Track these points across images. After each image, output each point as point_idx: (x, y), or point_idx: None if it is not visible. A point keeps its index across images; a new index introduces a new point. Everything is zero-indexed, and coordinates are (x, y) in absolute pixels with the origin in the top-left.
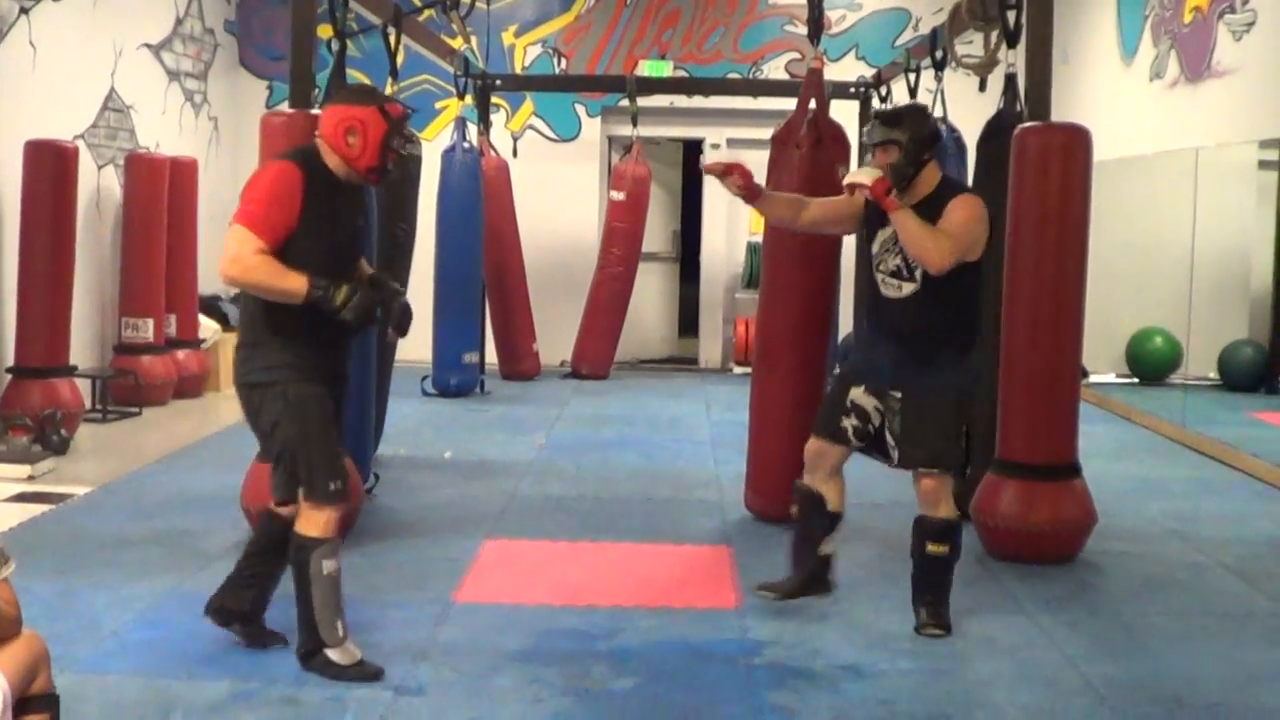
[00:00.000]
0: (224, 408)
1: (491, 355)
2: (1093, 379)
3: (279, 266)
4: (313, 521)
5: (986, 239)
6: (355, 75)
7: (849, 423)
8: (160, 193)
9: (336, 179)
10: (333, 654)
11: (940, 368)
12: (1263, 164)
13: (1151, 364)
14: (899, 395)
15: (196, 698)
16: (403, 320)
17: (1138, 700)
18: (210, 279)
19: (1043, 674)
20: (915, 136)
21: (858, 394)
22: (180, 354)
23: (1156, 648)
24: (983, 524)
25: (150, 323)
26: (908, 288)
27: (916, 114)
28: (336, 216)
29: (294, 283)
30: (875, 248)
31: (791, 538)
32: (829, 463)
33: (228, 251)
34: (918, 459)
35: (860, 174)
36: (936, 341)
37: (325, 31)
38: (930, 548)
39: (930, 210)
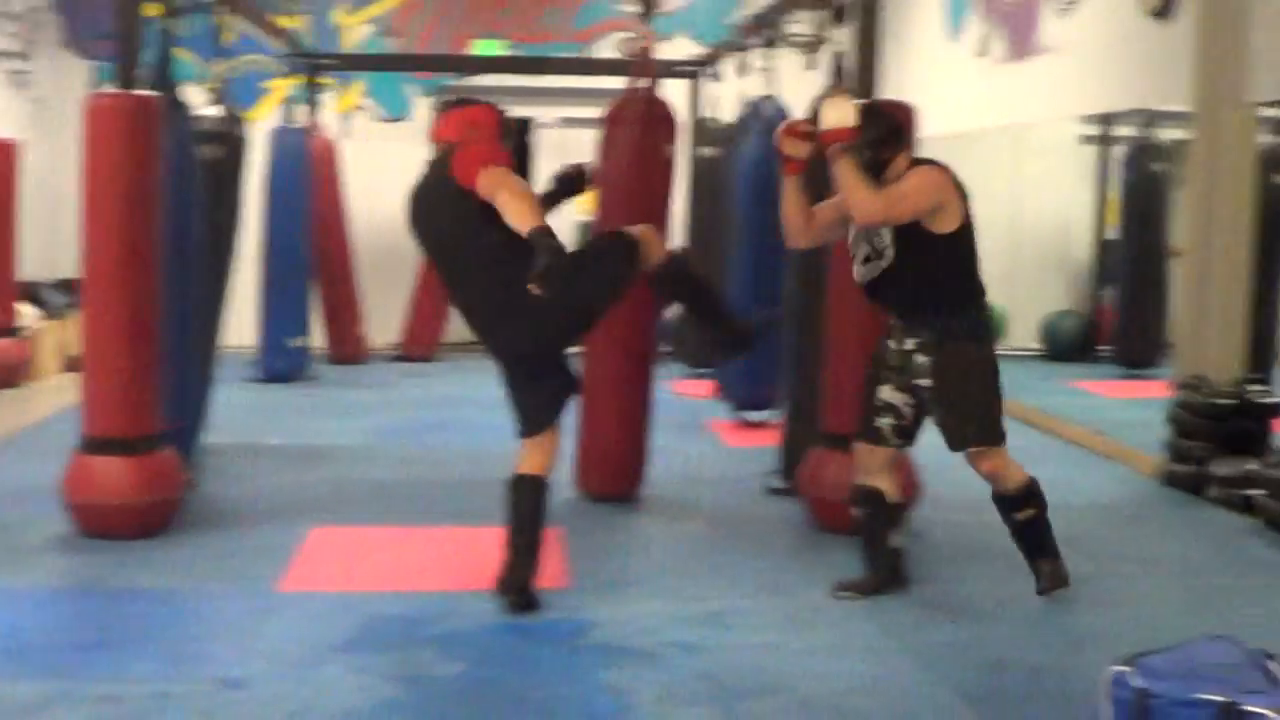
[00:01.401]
0: (44, 397)
1: (319, 339)
2: None
3: None
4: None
5: (957, 210)
6: (182, 55)
7: (884, 422)
8: None
9: None
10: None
11: (947, 348)
12: (1084, 139)
13: None
14: (926, 384)
15: (14, 697)
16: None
17: (961, 666)
18: (31, 265)
19: (868, 643)
20: (870, 139)
21: (886, 392)
22: None
23: (979, 614)
24: (808, 496)
25: None
26: (879, 265)
27: (868, 116)
28: None
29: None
30: (850, 244)
31: (861, 539)
32: (878, 461)
33: None
34: (960, 443)
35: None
36: (937, 308)
37: (152, 10)
38: (1018, 517)
39: None
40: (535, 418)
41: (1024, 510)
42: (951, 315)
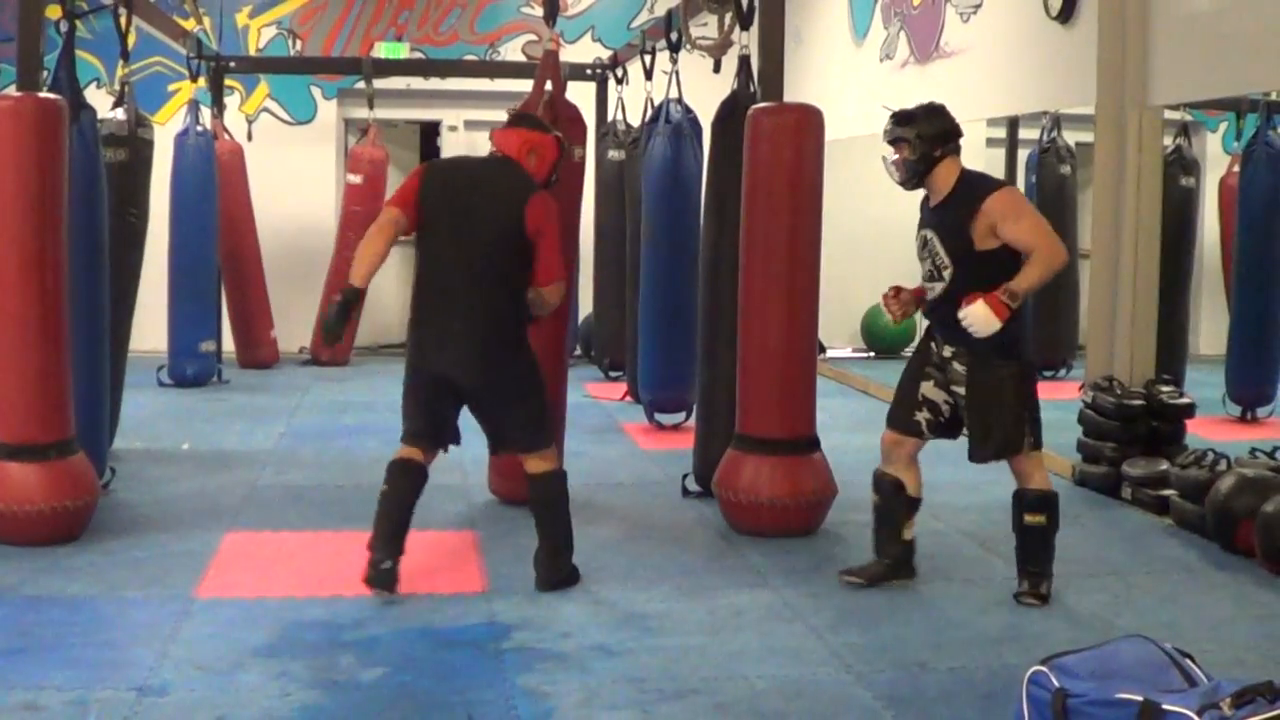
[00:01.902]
0: None
1: (229, 343)
2: (830, 354)
3: None
4: (547, 458)
5: None
6: (85, 57)
7: (922, 416)
8: None
9: None
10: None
11: (989, 358)
12: (990, 141)
13: (886, 338)
14: (962, 392)
15: None
16: None
17: (882, 666)
18: None
19: (789, 645)
20: (925, 134)
21: (928, 388)
22: None
23: (899, 615)
24: (725, 499)
25: None
26: (939, 287)
27: (928, 112)
28: None
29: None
30: (918, 254)
31: (874, 525)
32: (905, 452)
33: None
34: (986, 454)
35: (983, 324)
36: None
37: (54, 11)
38: (1028, 519)
39: (956, 207)
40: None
41: (1036, 515)
42: (1013, 324)
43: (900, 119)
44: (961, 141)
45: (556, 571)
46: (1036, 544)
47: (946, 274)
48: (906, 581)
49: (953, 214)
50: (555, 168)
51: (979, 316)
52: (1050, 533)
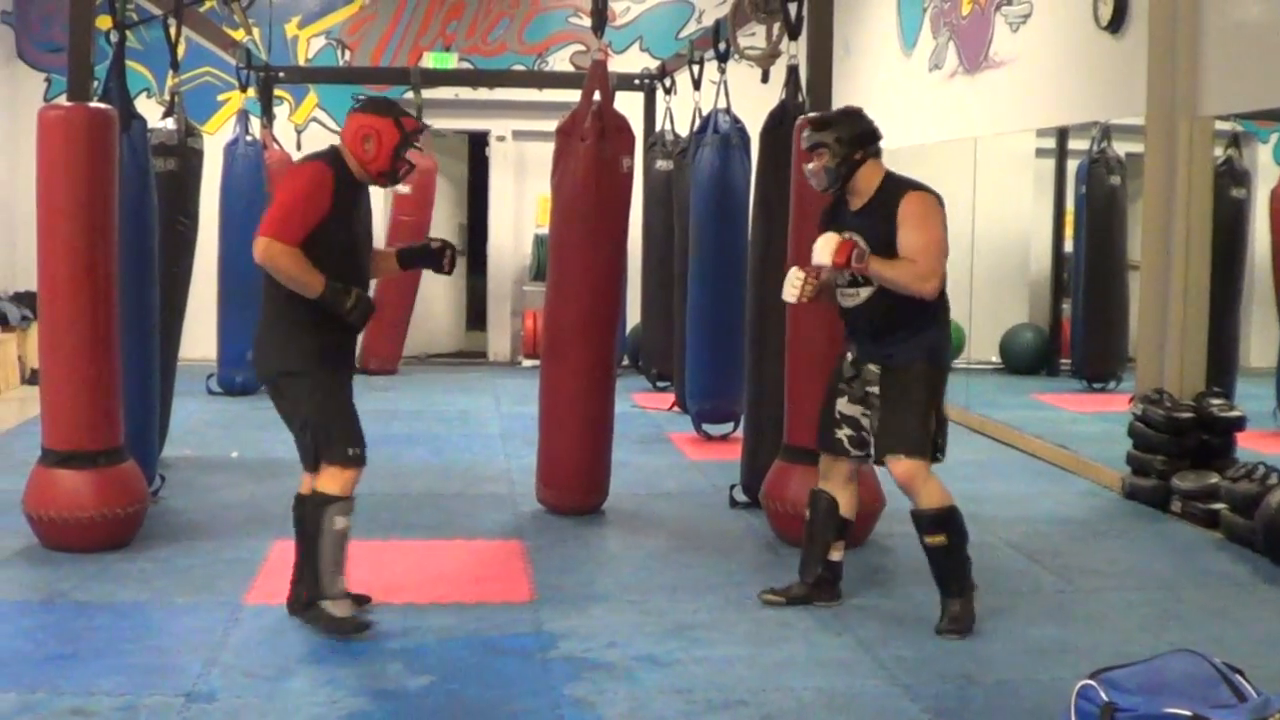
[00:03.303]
0: (3, 410)
1: None
2: None
3: (305, 260)
4: (330, 481)
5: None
6: (135, 68)
7: (842, 434)
8: None
9: (354, 180)
10: (330, 606)
11: (900, 354)
12: (1040, 152)
13: None
14: (875, 391)
15: None
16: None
17: (929, 679)
18: None
19: (836, 657)
20: (843, 138)
21: (843, 405)
22: None
23: None
24: (772, 509)
25: None
26: (864, 292)
27: (844, 116)
28: (352, 213)
29: (315, 279)
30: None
31: (803, 543)
32: (839, 473)
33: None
34: (884, 446)
35: (819, 252)
36: (898, 332)
37: (104, 22)
38: (928, 540)
39: (879, 210)
40: None
41: (934, 535)
42: (909, 327)
43: (818, 124)
44: (882, 144)
45: (304, 600)
46: (943, 565)
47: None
48: (832, 604)
49: (878, 217)
50: (398, 154)
51: (824, 241)
52: (955, 550)
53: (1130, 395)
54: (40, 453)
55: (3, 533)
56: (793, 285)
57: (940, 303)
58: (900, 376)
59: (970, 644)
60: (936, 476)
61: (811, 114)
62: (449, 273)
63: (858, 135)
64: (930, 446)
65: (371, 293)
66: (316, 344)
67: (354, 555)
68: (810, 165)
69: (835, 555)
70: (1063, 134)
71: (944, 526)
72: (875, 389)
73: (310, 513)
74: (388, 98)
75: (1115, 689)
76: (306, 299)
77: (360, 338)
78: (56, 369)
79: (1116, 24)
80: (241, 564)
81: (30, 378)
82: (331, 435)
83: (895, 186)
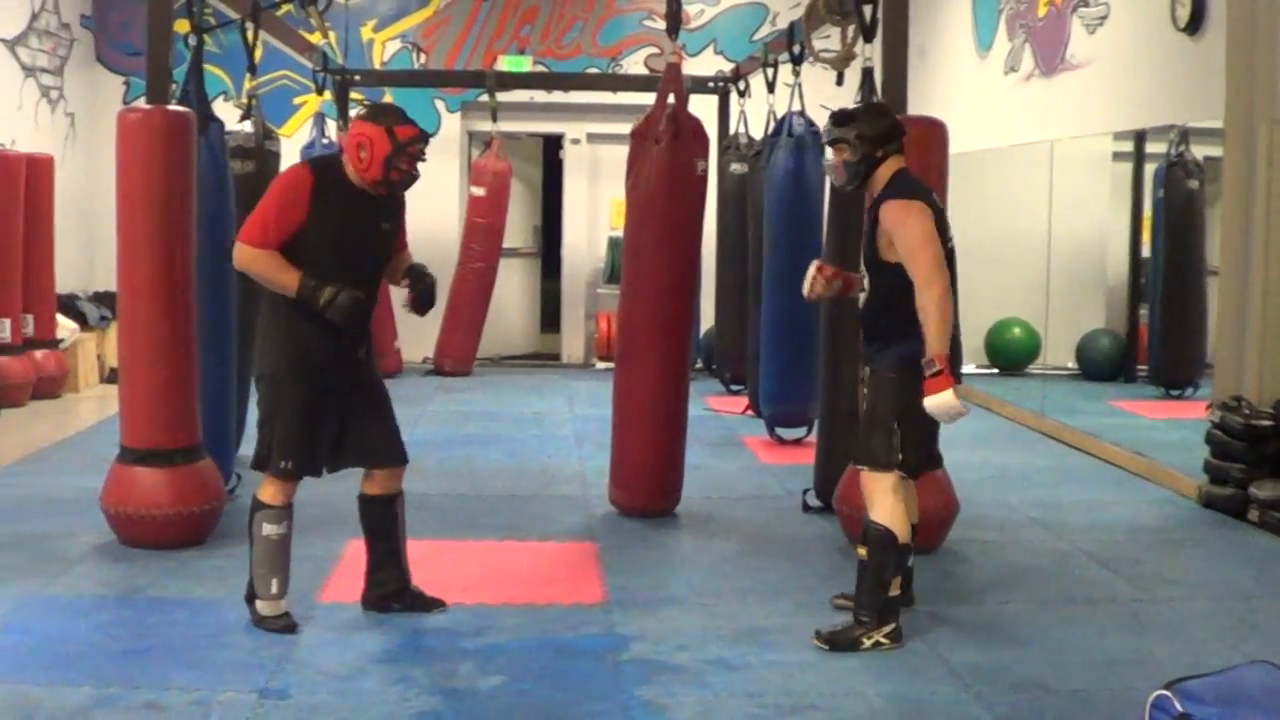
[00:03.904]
0: (83, 408)
1: None
2: None
3: (278, 261)
4: (264, 489)
5: (932, 221)
6: (213, 71)
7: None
8: (16, 191)
9: (353, 185)
10: (260, 605)
11: (879, 361)
12: (1117, 155)
13: (1011, 354)
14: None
15: (58, 704)
16: (425, 299)
17: (1002, 688)
18: (67, 277)
19: (908, 663)
20: (865, 134)
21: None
22: (38, 354)
23: (1020, 635)
24: (845, 515)
25: (7, 323)
26: (863, 296)
27: (868, 111)
28: (344, 218)
29: (288, 277)
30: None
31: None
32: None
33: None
34: (855, 457)
35: (947, 412)
36: (883, 336)
37: (183, 26)
38: (859, 550)
39: (873, 212)
40: None
41: (861, 546)
42: (893, 333)
43: (840, 119)
44: (903, 141)
45: (245, 594)
46: (859, 576)
47: (865, 282)
48: (905, 609)
49: (870, 218)
50: (389, 163)
51: (943, 404)
52: (872, 571)
53: (1208, 402)
54: (118, 450)
55: (81, 529)
56: (807, 279)
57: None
58: (875, 384)
59: (1044, 652)
60: (896, 494)
61: (837, 109)
62: (415, 310)
63: (880, 133)
64: (891, 459)
65: (402, 299)
66: (294, 351)
67: (428, 555)
68: (829, 160)
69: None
70: (1140, 137)
71: (868, 541)
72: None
73: (249, 514)
74: (393, 105)
75: (1190, 700)
76: (286, 306)
77: (433, 343)
78: (135, 368)
79: (1195, 25)
80: (315, 562)
81: (109, 376)
82: (272, 443)
83: (885, 191)
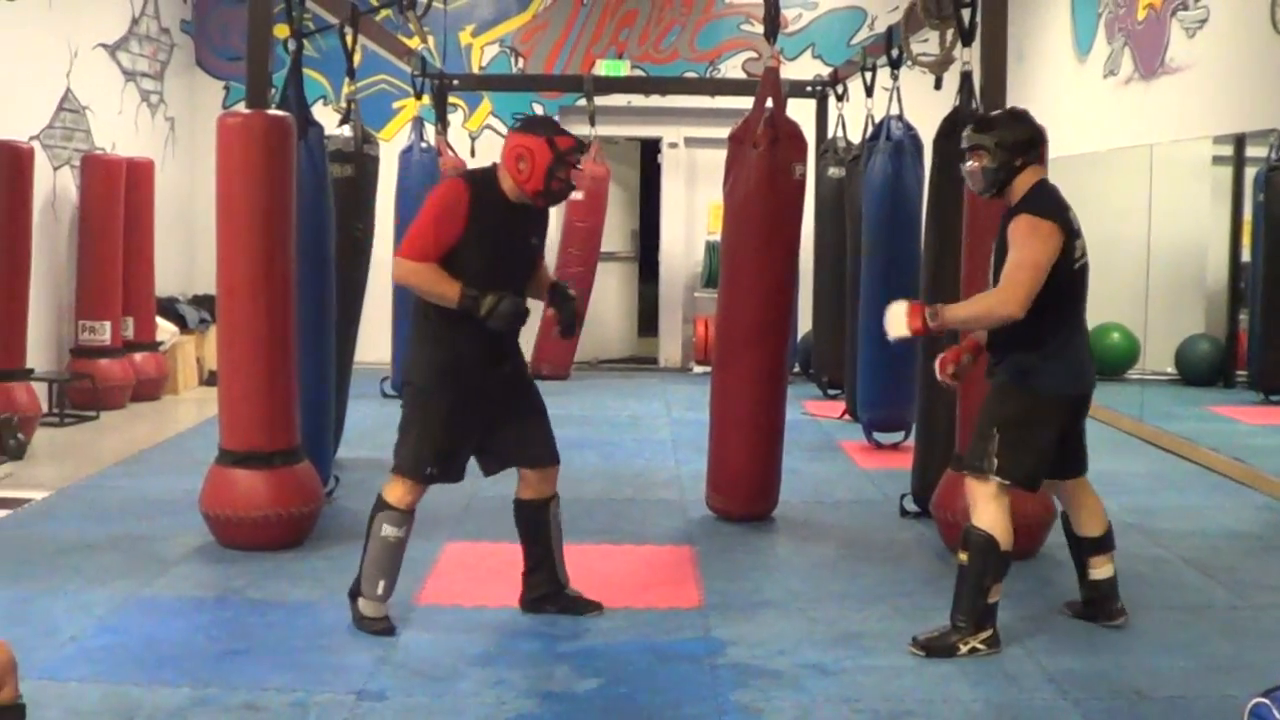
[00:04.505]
0: (182, 411)
1: None
2: None
3: (438, 273)
4: (392, 490)
5: (1059, 244)
6: (312, 75)
7: None
8: (117, 194)
9: (507, 199)
10: (363, 604)
11: (996, 372)
12: (1216, 159)
13: (1109, 359)
14: None
15: (156, 704)
16: (570, 323)
17: (1099, 694)
18: (167, 280)
19: (1005, 669)
20: (1004, 141)
21: None
22: (138, 357)
23: (1117, 641)
24: (943, 520)
25: (107, 325)
26: None
27: (1009, 119)
28: (498, 231)
29: (449, 289)
30: None
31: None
32: (1054, 489)
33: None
34: (958, 464)
35: (892, 326)
36: (1004, 346)
37: (282, 31)
38: (959, 555)
39: (1005, 222)
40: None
41: (964, 551)
42: (1009, 347)
43: (980, 125)
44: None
45: (350, 589)
46: (965, 587)
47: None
48: (1112, 622)
49: (1002, 228)
50: (551, 173)
51: (893, 314)
52: (971, 577)
53: None
54: (217, 452)
55: (180, 530)
56: (937, 369)
57: (1050, 324)
58: (990, 393)
59: (1142, 659)
60: (999, 501)
61: (980, 114)
62: (561, 335)
63: (1019, 141)
64: (992, 459)
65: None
66: (443, 360)
67: (521, 557)
68: (968, 165)
69: (1095, 574)
70: (1240, 141)
71: (968, 545)
72: None
73: (371, 512)
74: (547, 116)
75: None
76: (438, 315)
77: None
78: (234, 371)
79: None
80: (412, 564)
81: (208, 379)
82: (416, 449)
83: (1021, 203)
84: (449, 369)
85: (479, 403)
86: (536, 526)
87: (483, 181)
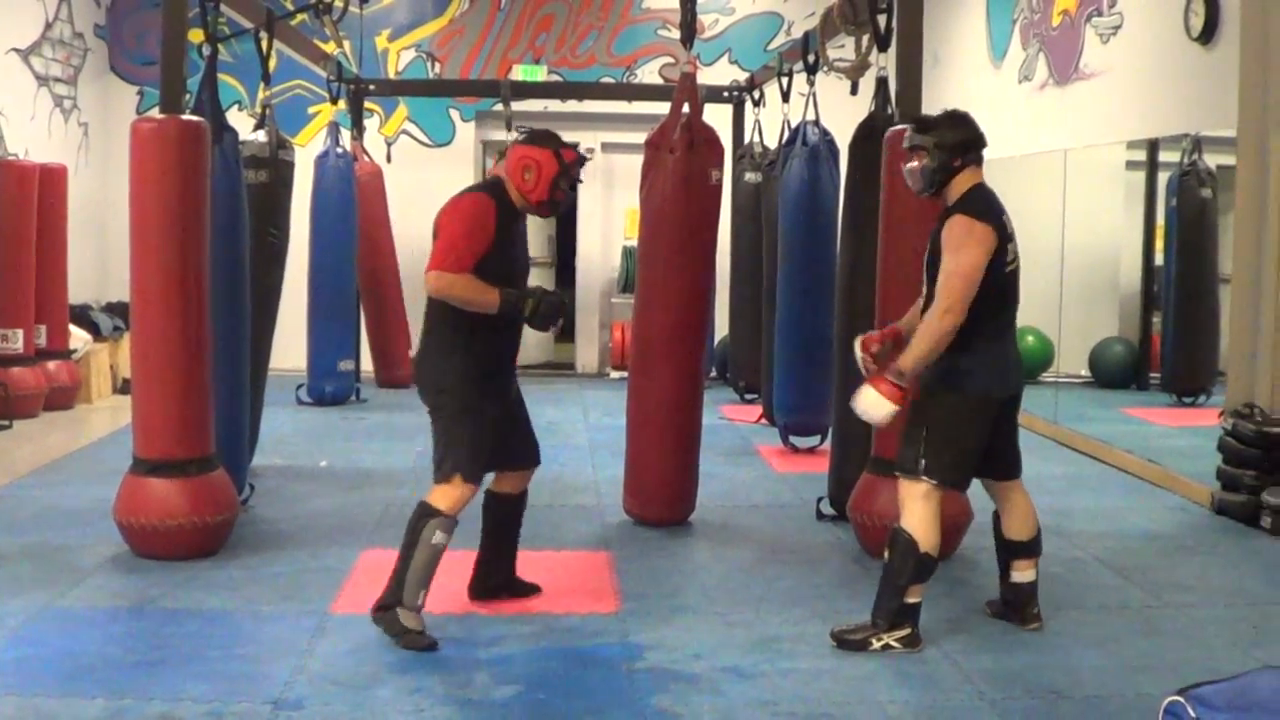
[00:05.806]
0: (96, 419)
1: (367, 362)
2: None
3: (476, 282)
4: (443, 497)
5: (992, 247)
6: (227, 80)
7: None
8: (29, 201)
9: (513, 208)
10: (404, 615)
11: (927, 371)
12: (1130, 164)
13: (1024, 362)
14: None
15: (72, 716)
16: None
17: (1016, 694)
18: (80, 288)
19: (922, 670)
20: (944, 142)
21: None
22: (50, 365)
23: (1034, 642)
24: (859, 523)
25: (19, 333)
26: (923, 303)
27: (950, 120)
28: (513, 241)
29: (490, 295)
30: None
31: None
32: (989, 490)
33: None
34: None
35: (873, 409)
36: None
37: (196, 36)
38: (885, 552)
39: (940, 223)
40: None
41: (890, 551)
42: (950, 352)
43: (921, 125)
44: (984, 152)
45: (382, 602)
46: (885, 586)
47: (925, 290)
48: (1027, 627)
49: (937, 230)
50: (556, 184)
51: (869, 402)
52: (891, 575)
53: (1220, 409)
54: (131, 461)
55: (95, 540)
56: (858, 358)
57: (982, 326)
58: (919, 395)
59: (1059, 658)
60: (927, 502)
61: (921, 115)
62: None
63: (959, 142)
64: (922, 460)
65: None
66: (473, 366)
67: (442, 563)
68: (908, 165)
69: (1016, 576)
70: (1153, 146)
71: (891, 546)
72: None
73: (414, 520)
74: (549, 130)
75: (1203, 706)
76: (467, 323)
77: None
78: (148, 378)
79: (1208, 35)
80: (329, 573)
81: (122, 387)
82: (462, 454)
83: (958, 204)
84: (480, 375)
85: (499, 406)
86: (510, 519)
87: (501, 194)
